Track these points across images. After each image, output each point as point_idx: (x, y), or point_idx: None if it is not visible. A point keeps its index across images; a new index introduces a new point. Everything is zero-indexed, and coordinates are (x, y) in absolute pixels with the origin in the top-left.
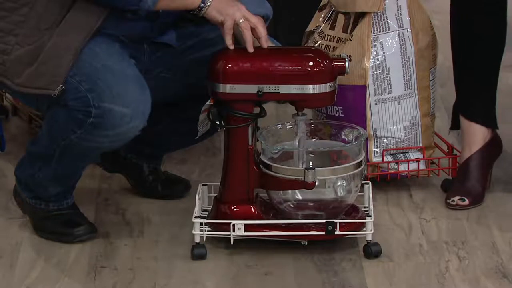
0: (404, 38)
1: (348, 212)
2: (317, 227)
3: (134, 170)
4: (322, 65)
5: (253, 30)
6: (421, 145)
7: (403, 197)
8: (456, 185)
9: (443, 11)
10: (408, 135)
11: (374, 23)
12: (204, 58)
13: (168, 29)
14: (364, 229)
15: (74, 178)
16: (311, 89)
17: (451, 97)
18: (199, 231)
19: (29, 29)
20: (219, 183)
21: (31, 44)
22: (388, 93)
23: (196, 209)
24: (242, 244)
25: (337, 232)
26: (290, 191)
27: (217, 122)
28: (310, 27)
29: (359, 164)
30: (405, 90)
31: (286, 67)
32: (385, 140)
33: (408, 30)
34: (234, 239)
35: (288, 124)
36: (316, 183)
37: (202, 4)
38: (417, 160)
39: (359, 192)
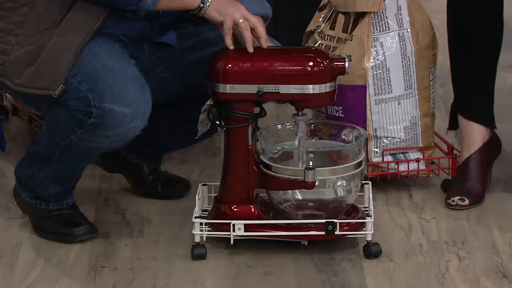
0: (404, 38)
1: (348, 212)
2: (317, 227)
3: (134, 170)
4: (322, 65)
5: (252, 30)
6: (421, 145)
7: (403, 197)
8: (456, 185)
9: (443, 11)
10: (408, 135)
11: (374, 23)
12: (204, 58)
13: (168, 29)
14: (364, 229)
15: (74, 178)
16: (311, 89)
17: (451, 97)
18: (199, 231)
19: (29, 29)
20: (219, 183)
21: (31, 44)
22: (388, 93)
23: (196, 209)
24: (242, 244)
25: (337, 232)
26: (290, 191)
27: (217, 122)
28: (310, 27)
29: (359, 164)
30: (405, 90)
31: (286, 67)
32: (385, 140)
33: (408, 30)
34: (234, 239)
35: (288, 124)
36: (316, 183)
37: (202, 4)
38: (417, 160)
39: (359, 192)
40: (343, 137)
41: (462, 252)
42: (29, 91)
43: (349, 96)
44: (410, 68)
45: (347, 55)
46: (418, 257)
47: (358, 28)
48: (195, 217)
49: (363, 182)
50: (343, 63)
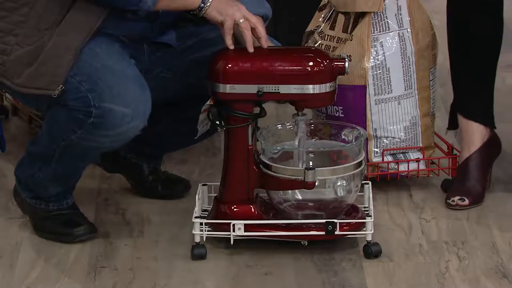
0: (404, 38)
1: (348, 212)
2: (317, 227)
3: (134, 170)
4: (322, 65)
5: (253, 30)
6: (421, 145)
7: (403, 197)
8: (456, 185)
9: (443, 11)
10: (408, 135)
11: (374, 23)
12: (204, 58)
13: (168, 29)
14: (364, 229)
15: (74, 178)
16: (311, 89)
17: (451, 97)
18: (199, 231)
19: (29, 29)
20: (219, 183)
21: (31, 44)
22: (388, 93)
23: (196, 209)
24: (242, 244)
25: (337, 232)
26: (290, 191)
27: (217, 122)
28: (310, 27)
29: (359, 164)
30: (405, 90)
31: (286, 67)
32: (385, 140)
33: (408, 30)
34: (234, 239)
35: (288, 124)
36: (316, 183)
37: (202, 4)
38: (417, 160)
39: (359, 192)
40: (343, 137)
41: (462, 252)
42: (29, 91)
43: (349, 96)
44: (410, 68)
45: (347, 55)
46: (418, 257)
47: (358, 28)
48: (195, 217)
49: (363, 182)
50: (343, 63)
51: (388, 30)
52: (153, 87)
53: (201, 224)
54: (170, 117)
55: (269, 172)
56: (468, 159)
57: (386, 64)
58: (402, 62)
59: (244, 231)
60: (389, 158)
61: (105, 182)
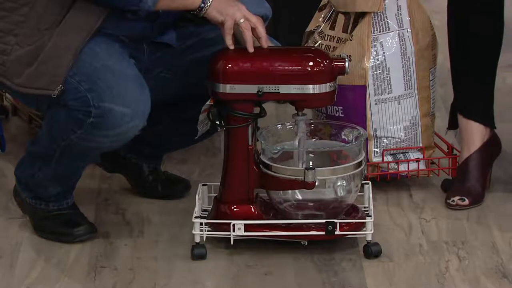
0: (404, 38)
1: (348, 212)
2: (317, 227)
3: (134, 170)
4: (322, 65)
5: (253, 30)
6: (421, 145)
7: (403, 197)
8: (456, 185)
9: (443, 11)
10: (408, 135)
11: (374, 23)
12: (204, 58)
13: (168, 29)
14: (364, 229)
15: (74, 178)
16: (311, 89)
17: (451, 97)
18: (199, 231)
19: (29, 29)
20: (219, 183)
21: (31, 44)
22: (388, 93)
23: (196, 209)
24: (242, 244)
25: (337, 232)
26: (290, 191)
27: (217, 122)
28: (310, 27)
29: (359, 164)
30: (405, 90)
31: (286, 67)
32: (385, 140)
33: (408, 30)
34: (234, 239)
35: (288, 124)
36: (316, 183)
37: (203, 4)
38: (417, 160)
39: (359, 192)
40: (343, 137)
41: (462, 252)
42: (28, 91)
43: (349, 96)
44: (410, 68)
45: (347, 55)
46: (418, 257)
47: (358, 28)
48: (195, 217)
49: (363, 182)
50: (343, 63)
51: (388, 30)
52: (153, 87)
53: (201, 224)
54: (170, 117)
55: (269, 172)
56: (468, 159)
57: (386, 64)
58: (402, 62)
59: (244, 231)
60: (389, 158)
61: (105, 182)
